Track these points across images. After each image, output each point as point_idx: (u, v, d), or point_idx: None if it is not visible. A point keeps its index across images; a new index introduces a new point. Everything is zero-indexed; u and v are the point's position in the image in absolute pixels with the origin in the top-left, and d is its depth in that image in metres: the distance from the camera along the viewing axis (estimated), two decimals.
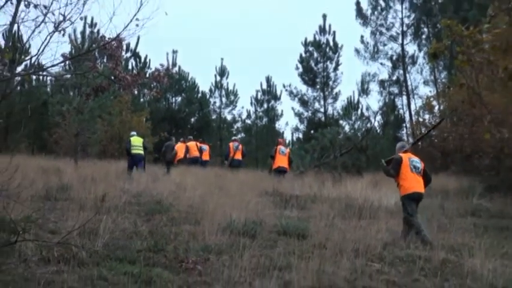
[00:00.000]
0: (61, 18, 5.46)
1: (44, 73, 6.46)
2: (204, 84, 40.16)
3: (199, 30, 55.23)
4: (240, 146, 23.91)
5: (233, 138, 26.80)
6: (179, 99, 38.16)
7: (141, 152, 20.78)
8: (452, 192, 17.06)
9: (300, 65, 37.33)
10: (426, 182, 11.58)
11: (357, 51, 35.82)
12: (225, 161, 17.18)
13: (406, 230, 11.00)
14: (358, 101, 36.14)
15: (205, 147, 25.76)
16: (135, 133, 22.04)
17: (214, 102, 39.76)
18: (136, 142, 20.97)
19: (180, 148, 24.06)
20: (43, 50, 5.59)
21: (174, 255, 8.09)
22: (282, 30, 60.48)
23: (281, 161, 21.21)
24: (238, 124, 40.63)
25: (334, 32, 37.23)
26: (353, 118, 35.33)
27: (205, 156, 25.02)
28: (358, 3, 35.45)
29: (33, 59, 5.97)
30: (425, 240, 10.58)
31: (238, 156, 23.28)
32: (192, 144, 24.37)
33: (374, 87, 35.94)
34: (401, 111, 35.34)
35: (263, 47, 52.59)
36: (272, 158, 21.56)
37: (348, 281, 7.42)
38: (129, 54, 33.91)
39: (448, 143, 21.93)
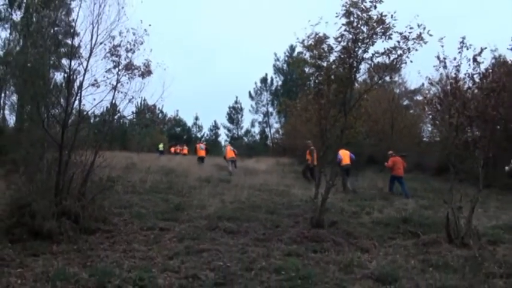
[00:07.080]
0: (131, 97, 5.54)
1: (125, 119, 6.44)
2: (189, 122, 38.70)
3: (184, 94, 53.47)
4: (204, 146, 20.51)
5: (202, 141, 24.62)
6: (178, 129, 36.99)
7: (162, 149, 22.35)
8: (287, 165, 17.35)
9: (227, 116, 37.05)
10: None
11: (250, 110, 35.93)
12: None
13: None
14: (250, 130, 36.31)
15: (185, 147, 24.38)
16: (161, 143, 23.65)
17: (194, 130, 38.76)
18: (160, 146, 22.70)
19: (173, 148, 24.21)
20: (124, 109, 5.65)
21: (177, 190, 8.08)
22: (220, 100, 59.69)
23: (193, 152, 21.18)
24: (203, 139, 39.40)
25: (241, 103, 37.00)
26: (248, 136, 35.78)
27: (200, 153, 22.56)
28: (250, 92, 35.52)
29: (120, 113, 6.02)
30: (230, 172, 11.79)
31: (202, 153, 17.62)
32: (172, 149, 24.10)
33: (257, 124, 36.12)
34: (268, 134, 35.79)
35: (213, 106, 51.74)
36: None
37: (247, 199, 7.60)
38: (159, 111, 32.61)
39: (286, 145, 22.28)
